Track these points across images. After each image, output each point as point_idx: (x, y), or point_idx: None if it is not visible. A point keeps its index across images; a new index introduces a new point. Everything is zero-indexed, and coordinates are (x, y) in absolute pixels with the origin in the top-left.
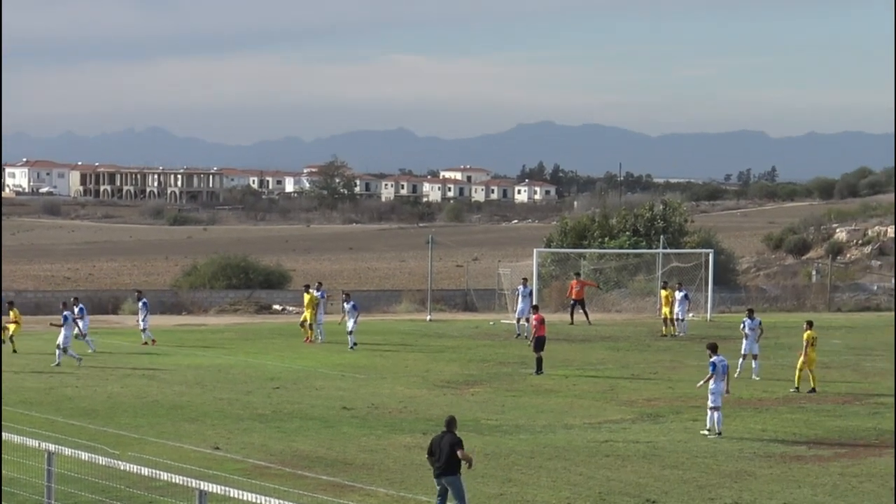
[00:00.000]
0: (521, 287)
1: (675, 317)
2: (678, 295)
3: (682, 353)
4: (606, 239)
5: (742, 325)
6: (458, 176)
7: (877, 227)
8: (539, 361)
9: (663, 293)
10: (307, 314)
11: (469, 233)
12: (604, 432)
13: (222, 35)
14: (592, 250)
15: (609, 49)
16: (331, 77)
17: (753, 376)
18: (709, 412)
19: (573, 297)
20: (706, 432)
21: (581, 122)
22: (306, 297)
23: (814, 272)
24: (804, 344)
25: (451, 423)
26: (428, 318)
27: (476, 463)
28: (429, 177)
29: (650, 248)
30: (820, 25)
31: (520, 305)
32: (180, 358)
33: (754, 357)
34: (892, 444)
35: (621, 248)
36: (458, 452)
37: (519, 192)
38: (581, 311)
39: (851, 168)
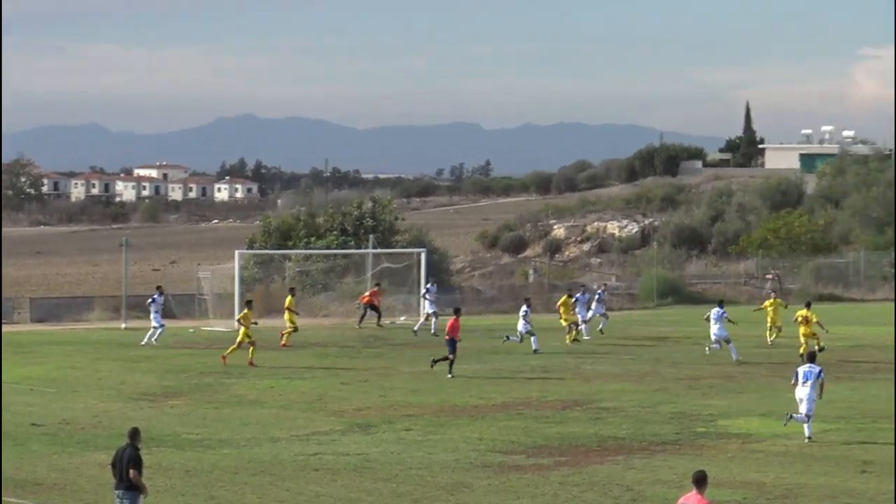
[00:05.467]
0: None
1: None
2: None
3: (395, 360)
4: (313, 239)
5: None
6: (154, 174)
7: (596, 224)
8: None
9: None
10: None
11: (166, 234)
12: (312, 445)
13: None
14: (298, 251)
15: (312, 38)
16: (16, 68)
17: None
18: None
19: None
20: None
21: (284, 115)
22: None
23: (531, 271)
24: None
25: (133, 435)
26: (123, 325)
27: (177, 481)
28: (122, 175)
29: (359, 247)
30: (535, 13)
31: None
32: None
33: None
34: (614, 451)
35: (328, 248)
36: (130, 473)
37: (219, 189)
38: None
39: (568, 161)
